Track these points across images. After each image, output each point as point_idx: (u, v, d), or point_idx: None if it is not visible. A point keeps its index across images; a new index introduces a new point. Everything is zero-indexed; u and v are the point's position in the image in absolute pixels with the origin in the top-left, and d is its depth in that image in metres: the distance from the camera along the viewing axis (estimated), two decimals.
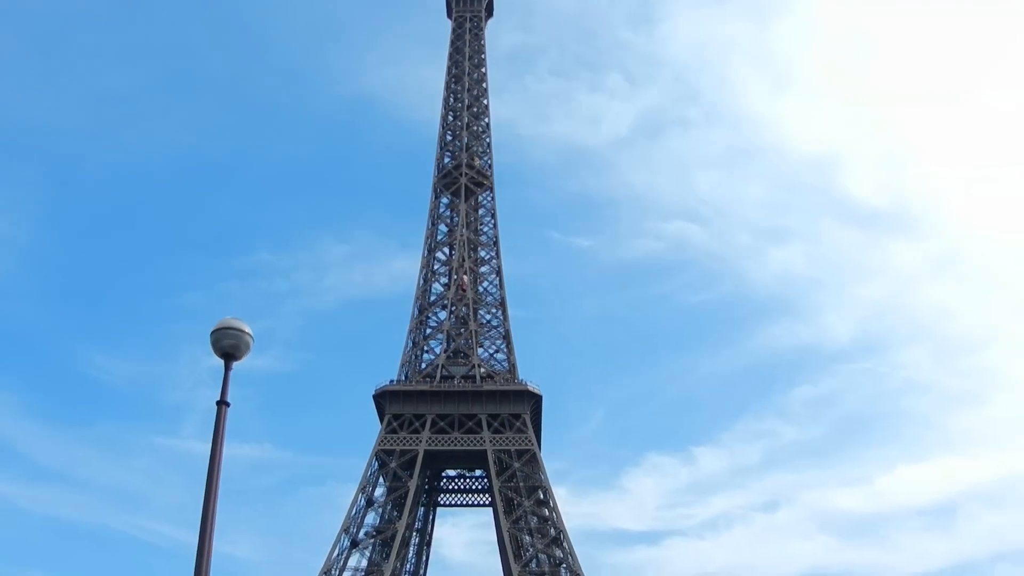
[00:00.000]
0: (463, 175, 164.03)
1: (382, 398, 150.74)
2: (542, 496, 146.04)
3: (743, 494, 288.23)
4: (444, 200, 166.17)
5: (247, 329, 18.81)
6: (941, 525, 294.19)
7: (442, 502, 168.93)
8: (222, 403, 18.58)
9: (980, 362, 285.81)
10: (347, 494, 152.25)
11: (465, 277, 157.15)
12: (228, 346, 18.60)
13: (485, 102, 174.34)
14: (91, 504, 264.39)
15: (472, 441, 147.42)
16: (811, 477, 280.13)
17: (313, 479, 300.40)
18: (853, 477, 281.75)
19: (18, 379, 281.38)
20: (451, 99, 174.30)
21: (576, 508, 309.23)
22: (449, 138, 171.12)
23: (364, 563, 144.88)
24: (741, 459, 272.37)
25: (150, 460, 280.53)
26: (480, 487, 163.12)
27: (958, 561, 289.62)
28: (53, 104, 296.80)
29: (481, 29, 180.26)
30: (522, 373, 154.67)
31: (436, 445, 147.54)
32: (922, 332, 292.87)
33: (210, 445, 18.12)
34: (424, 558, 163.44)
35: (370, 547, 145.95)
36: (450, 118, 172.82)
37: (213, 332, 18.61)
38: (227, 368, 18.71)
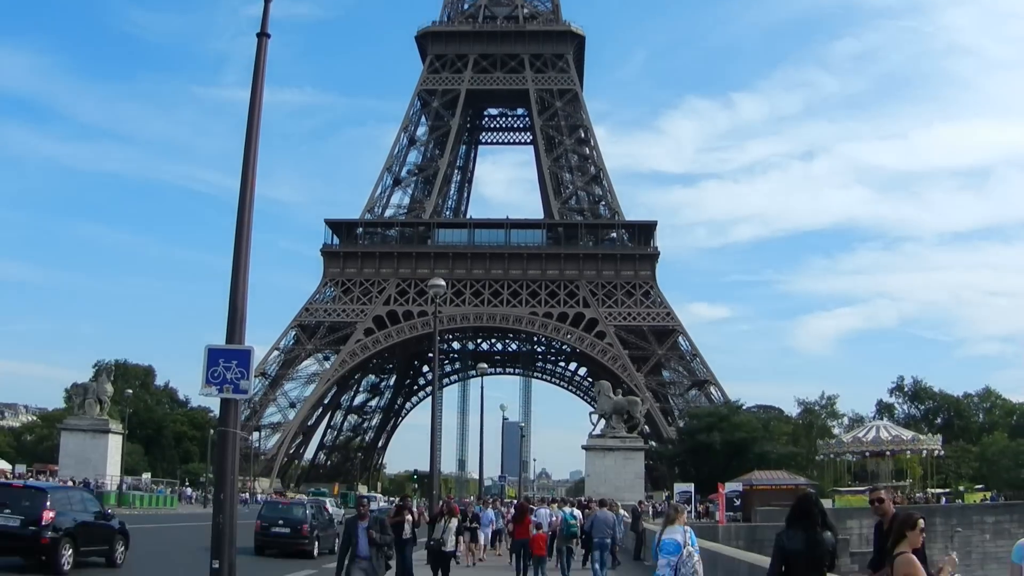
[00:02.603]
0: None
1: (424, 39, 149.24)
2: (583, 135, 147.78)
3: (781, 142, 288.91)
4: None
5: None
6: (974, 186, 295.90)
7: (483, 140, 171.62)
8: (262, 35, 18.06)
9: None
10: (389, 135, 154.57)
11: None
12: None
13: None
14: (137, 157, 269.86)
15: (514, 80, 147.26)
16: (849, 129, 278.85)
17: (354, 120, 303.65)
18: (891, 132, 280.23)
19: (54, 39, 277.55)
20: None
21: (615, 149, 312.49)
22: None
23: (406, 200, 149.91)
24: (781, 107, 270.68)
25: (193, 111, 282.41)
26: (522, 125, 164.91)
27: (987, 223, 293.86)
28: None
29: None
30: (565, 14, 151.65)
31: (479, 84, 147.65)
32: None
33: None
34: (465, 195, 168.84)
35: (412, 185, 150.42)
36: None
37: None
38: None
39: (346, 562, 13.64)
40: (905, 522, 7.83)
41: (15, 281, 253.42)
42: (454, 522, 21.28)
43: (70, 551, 21.17)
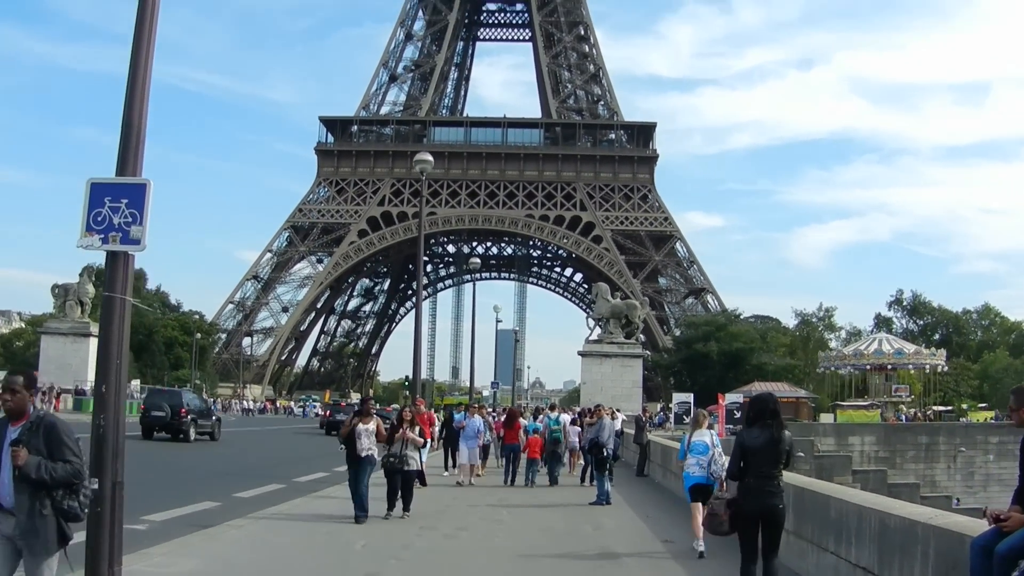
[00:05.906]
0: None
1: None
2: (583, 32, 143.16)
3: (779, 49, 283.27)
4: None
5: None
6: (973, 101, 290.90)
7: (481, 36, 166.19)
8: None
9: None
10: (385, 35, 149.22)
11: None
12: None
13: None
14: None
15: None
16: (847, 39, 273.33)
17: (350, 20, 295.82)
18: (889, 44, 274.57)
19: None
20: None
21: (612, 52, 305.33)
22: None
23: (402, 98, 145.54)
24: (779, 12, 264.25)
25: (185, 9, 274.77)
26: (520, 21, 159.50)
27: (985, 139, 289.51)
28: None
29: None
30: None
31: None
32: None
33: None
34: (462, 93, 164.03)
35: (408, 81, 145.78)
36: None
37: None
38: None
39: None
40: None
41: (8, 184, 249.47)
42: (416, 432, 16.34)
43: (193, 429, 36.47)
